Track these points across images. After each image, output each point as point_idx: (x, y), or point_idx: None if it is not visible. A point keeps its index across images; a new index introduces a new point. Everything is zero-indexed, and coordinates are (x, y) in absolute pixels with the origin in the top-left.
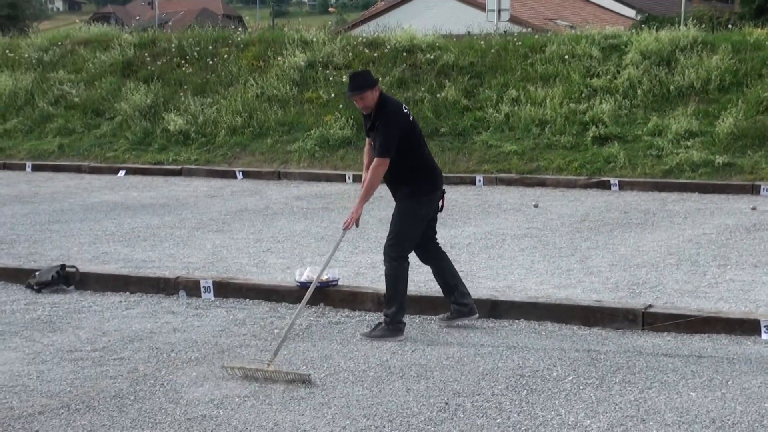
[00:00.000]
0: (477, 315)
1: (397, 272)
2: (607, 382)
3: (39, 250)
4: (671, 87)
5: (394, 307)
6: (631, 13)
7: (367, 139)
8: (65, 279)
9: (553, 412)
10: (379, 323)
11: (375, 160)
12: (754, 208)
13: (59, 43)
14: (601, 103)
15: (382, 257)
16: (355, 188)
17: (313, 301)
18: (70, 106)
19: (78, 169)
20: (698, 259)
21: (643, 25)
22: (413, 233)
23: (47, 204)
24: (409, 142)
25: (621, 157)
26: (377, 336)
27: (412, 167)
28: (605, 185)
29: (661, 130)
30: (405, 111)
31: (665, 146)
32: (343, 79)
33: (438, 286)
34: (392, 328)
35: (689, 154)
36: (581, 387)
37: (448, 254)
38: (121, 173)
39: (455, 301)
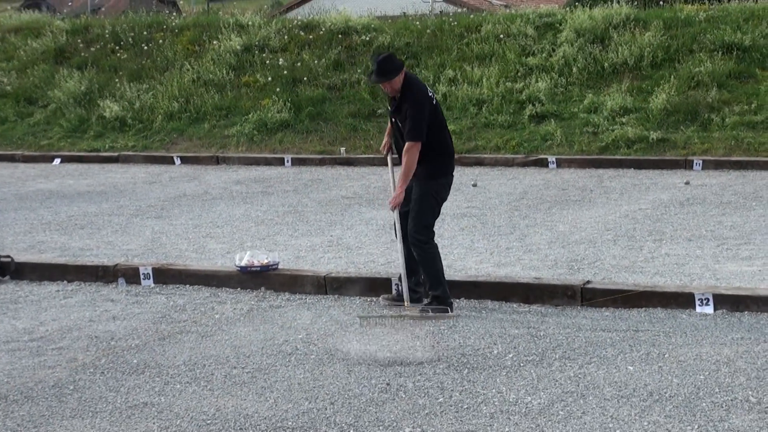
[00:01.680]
0: (424, 304)
1: (430, 254)
2: (547, 358)
3: None
4: (605, 64)
5: (440, 288)
6: None
7: (390, 120)
8: (0, 269)
9: (494, 390)
10: (431, 301)
11: (407, 144)
12: (687, 183)
13: None
14: (537, 81)
15: (411, 246)
16: (294, 171)
17: (253, 286)
18: (1, 95)
19: (11, 158)
20: (635, 235)
21: (577, 3)
22: (433, 214)
23: None
24: (432, 125)
25: (558, 135)
26: (433, 316)
27: (432, 149)
28: (543, 163)
29: (596, 107)
30: (430, 94)
31: (601, 123)
32: (280, 62)
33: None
34: (444, 307)
35: (624, 131)
36: (522, 364)
37: (388, 235)
38: (57, 161)
39: (411, 287)
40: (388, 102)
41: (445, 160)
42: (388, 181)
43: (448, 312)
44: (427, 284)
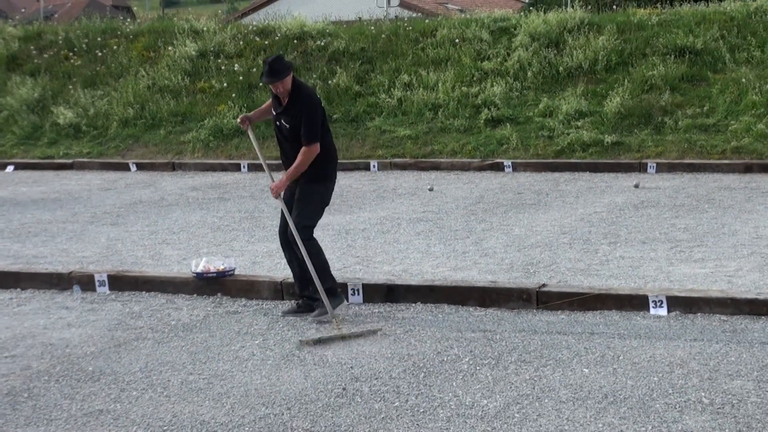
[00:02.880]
0: (322, 313)
1: (315, 248)
2: (503, 361)
3: None
4: (560, 68)
5: (329, 280)
6: None
7: (275, 123)
8: None
9: (450, 394)
10: (320, 305)
11: (304, 147)
12: (636, 186)
13: None
14: (492, 85)
15: (295, 245)
16: (251, 177)
17: (209, 292)
18: None
19: None
20: (590, 238)
21: (531, 8)
22: (317, 216)
23: None
24: (322, 128)
25: (513, 139)
26: (324, 313)
27: (321, 153)
28: (499, 167)
29: (551, 111)
30: (318, 97)
31: (556, 127)
32: (235, 68)
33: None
34: (334, 298)
35: (579, 134)
36: (478, 367)
37: (343, 240)
38: (10, 168)
39: (309, 296)
40: (274, 105)
41: (332, 165)
42: (258, 152)
43: (345, 302)
44: (316, 279)
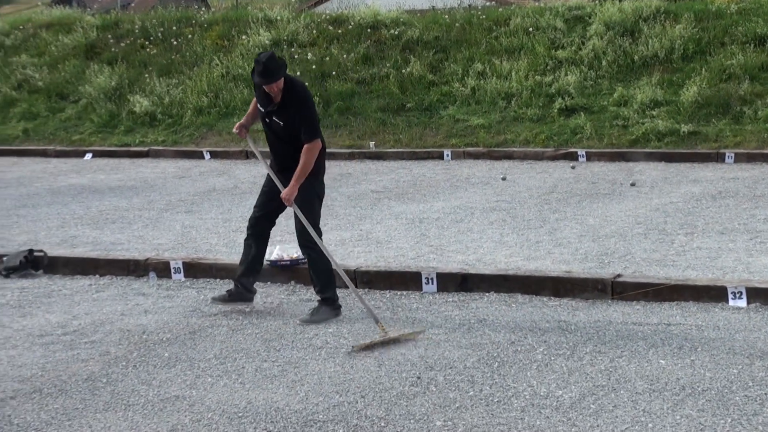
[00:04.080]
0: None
1: (317, 257)
2: (578, 352)
3: (6, 235)
4: (635, 57)
5: (330, 291)
6: None
7: (265, 120)
8: (34, 263)
9: (525, 384)
10: (320, 307)
11: (307, 144)
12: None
13: (21, 27)
14: (566, 74)
15: (301, 249)
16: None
17: (283, 279)
18: (33, 90)
19: (44, 153)
20: (666, 228)
21: None
22: (318, 213)
23: (13, 189)
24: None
25: (587, 128)
26: (320, 319)
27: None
28: (572, 156)
29: (626, 100)
30: (309, 91)
31: (631, 116)
32: (308, 57)
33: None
34: (332, 309)
35: (655, 124)
36: (552, 358)
37: (417, 229)
38: (88, 156)
39: (246, 285)
40: (261, 101)
41: (323, 160)
42: (261, 161)
43: (336, 315)
44: (317, 286)
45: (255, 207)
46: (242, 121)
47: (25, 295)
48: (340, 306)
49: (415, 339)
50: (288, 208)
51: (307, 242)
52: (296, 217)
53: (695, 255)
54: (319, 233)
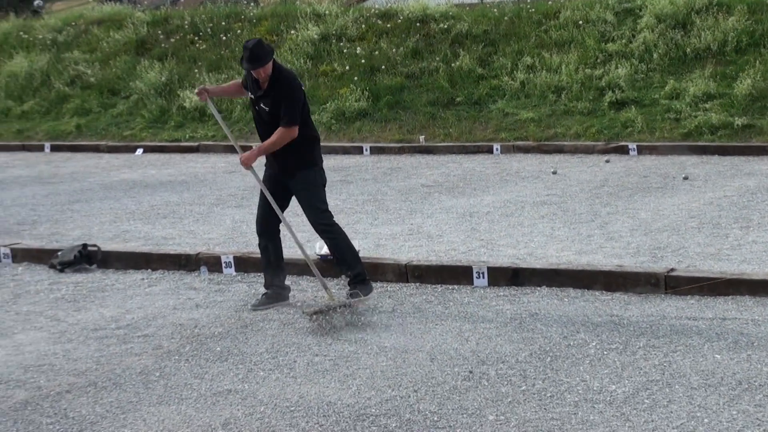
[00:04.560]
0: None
1: (341, 235)
2: (631, 346)
3: (61, 230)
4: (688, 50)
5: (359, 266)
6: None
7: (254, 107)
8: (87, 258)
9: (577, 378)
10: (354, 291)
11: (282, 128)
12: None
13: (73, 24)
14: (617, 67)
15: (320, 236)
16: (373, 160)
17: (334, 274)
18: (86, 86)
19: (96, 149)
20: (720, 222)
21: None
22: (323, 197)
23: (67, 184)
24: (304, 112)
25: (639, 122)
26: (356, 299)
27: (306, 136)
28: (623, 150)
29: (678, 93)
30: (299, 80)
31: (683, 109)
32: (357, 51)
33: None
34: (365, 285)
35: (708, 117)
36: (605, 352)
37: (467, 223)
38: (139, 151)
39: (279, 285)
40: (250, 87)
41: (318, 148)
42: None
43: (371, 290)
44: (345, 264)
45: (258, 207)
46: (209, 87)
47: (80, 290)
48: (368, 278)
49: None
50: (293, 201)
51: (323, 227)
52: (302, 206)
53: (750, 249)
54: (332, 217)
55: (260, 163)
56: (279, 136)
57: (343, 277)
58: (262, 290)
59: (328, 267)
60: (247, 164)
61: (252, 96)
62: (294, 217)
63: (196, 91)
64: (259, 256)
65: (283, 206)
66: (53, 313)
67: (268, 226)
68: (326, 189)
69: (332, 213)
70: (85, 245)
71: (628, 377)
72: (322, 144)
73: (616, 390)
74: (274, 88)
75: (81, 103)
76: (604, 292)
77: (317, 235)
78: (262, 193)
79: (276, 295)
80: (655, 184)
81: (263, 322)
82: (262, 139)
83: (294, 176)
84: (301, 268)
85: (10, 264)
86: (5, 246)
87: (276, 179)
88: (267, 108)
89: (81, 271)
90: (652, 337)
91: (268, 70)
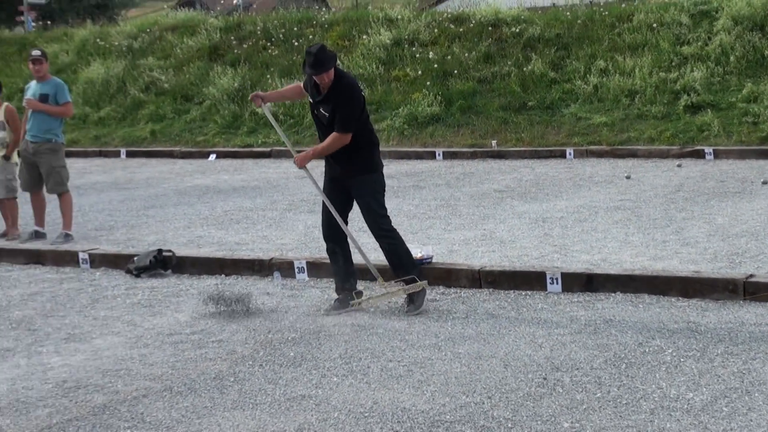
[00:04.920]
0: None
1: (400, 240)
2: (708, 353)
3: (136, 235)
4: (766, 52)
5: (415, 270)
6: None
7: (313, 112)
8: (163, 263)
9: (653, 385)
10: (411, 297)
11: (336, 134)
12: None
13: (148, 30)
14: (692, 71)
15: (378, 240)
16: (445, 165)
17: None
18: (160, 93)
19: (170, 155)
20: None
21: None
22: (383, 202)
23: (142, 190)
24: (363, 117)
25: (715, 126)
26: (419, 306)
27: (367, 141)
28: (699, 154)
29: (756, 96)
30: (359, 86)
31: (762, 113)
32: (430, 56)
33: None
34: (422, 291)
35: None
36: (682, 359)
37: (540, 228)
38: (212, 157)
39: (350, 290)
40: (311, 92)
41: (378, 152)
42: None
43: (425, 295)
44: (403, 268)
45: (322, 212)
46: (263, 93)
47: (155, 295)
48: (424, 282)
49: (416, 290)
50: (355, 206)
51: (382, 232)
52: (362, 210)
53: None
54: (391, 222)
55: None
56: (332, 141)
57: (335, 301)
58: (335, 296)
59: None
60: (302, 164)
61: (311, 100)
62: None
63: (250, 97)
64: None
65: (346, 210)
66: (130, 317)
67: (333, 230)
68: (399, 194)
69: (390, 218)
70: (160, 250)
71: (705, 385)
72: (394, 149)
73: (693, 398)
74: (335, 94)
75: (155, 109)
76: (680, 298)
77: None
78: (324, 201)
79: (348, 299)
80: (733, 189)
81: (336, 328)
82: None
83: (355, 180)
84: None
85: (88, 269)
86: (84, 251)
87: (336, 182)
88: (326, 113)
89: (156, 276)
90: (730, 344)
91: (331, 75)
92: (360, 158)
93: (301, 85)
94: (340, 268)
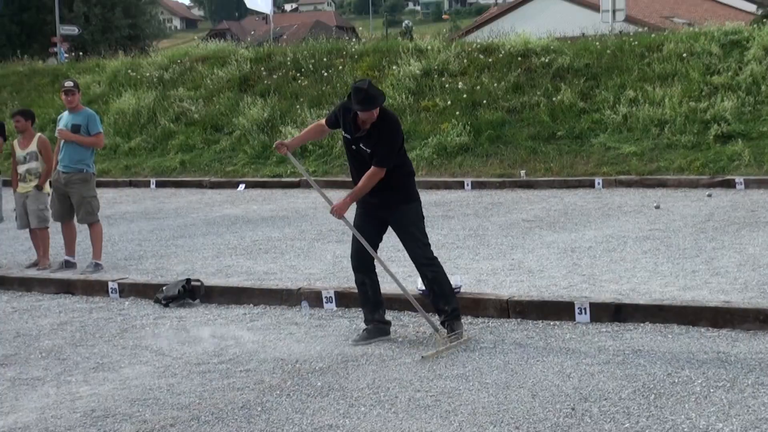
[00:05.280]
0: (458, 336)
1: (442, 270)
2: (738, 384)
3: (165, 264)
4: None
5: (455, 301)
6: (751, 7)
7: (351, 147)
8: (191, 293)
9: (683, 416)
10: (454, 322)
11: (374, 168)
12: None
13: (178, 61)
14: (722, 100)
15: (421, 269)
16: (474, 195)
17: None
18: (190, 123)
19: (199, 185)
20: None
21: (764, 20)
22: (425, 231)
23: (171, 219)
24: (402, 149)
25: (746, 155)
26: (458, 334)
27: (406, 171)
28: (730, 184)
29: None
30: (399, 122)
31: None
32: (459, 86)
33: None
34: (459, 321)
35: None
36: (712, 390)
37: (569, 258)
38: (241, 187)
39: (379, 320)
40: (348, 128)
41: (414, 181)
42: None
43: (462, 326)
44: (443, 299)
45: (352, 243)
46: (287, 141)
47: (183, 324)
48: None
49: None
50: (385, 235)
51: (426, 260)
52: (406, 240)
53: None
54: (432, 255)
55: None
56: (369, 178)
57: (364, 330)
58: (363, 326)
59: (425, 302)
60: (340, 214)
61: (348, 136)
62: (395, 252)
63: (274, 146)
64: None
65: (376, 242)
66: (158, 347)
67: (364, 261)
68: (428, 224)
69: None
70: (188, 280)
71: (735, 415)
72: (423, 179)
73: (723, 428)
74: (378, 130)
75: (185, 140)
76: (710, 328)
77: (416, 270)
78: (355, 233)
79: (377, 330)
80: (764, 219)
81: (364, 357)
82: (357, 177)
83: (397, 211)
84: (401, 303)
85: (117, 298)
86: (113, 281)
87: (371, 214)
88: (368, 149)
89: (185, 305)
90: (761, 375)
91: (377, 111)
92: (399, 189)
93: (323, 122)
94: (368, 299)
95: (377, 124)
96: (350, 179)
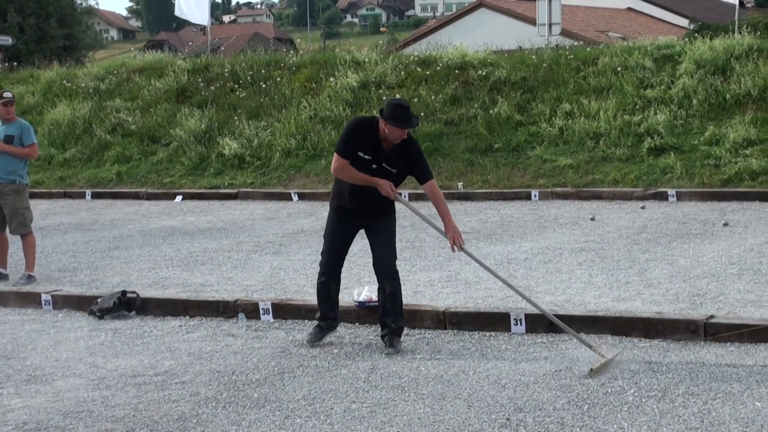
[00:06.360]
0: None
1: (399, 287)
2: (669, 394)
3: (100, 276)
4: (727, 96)
5: (402, 320)
6: (684, 22)
7: (371, 165)
8: (126, 305)
9: (615, 426)
10: (394, 338)
11: (432, 182)
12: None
13: (115, 72)
14: (655, 114)
15: (383, 281)
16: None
17: (372, 321)
18: (126, 134)
19: (136, 196)
20: (761, 269)
21: (696, 35)
22: None
23: (107, 231)
24: None
25: (678, 168)
26: (397, 350)
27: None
28: (662, 196)
29: (718, 139)
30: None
31: (723, 155)
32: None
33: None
34: (400, 338)
35: (748, 163)
36: (643, 399)
37: (505, 270)
38: (178, 198)
39: (334, 317)
40: (367, 148)
41: None
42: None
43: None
44: (392, 315)
45: (330, 252)
46: (378, 181)
47: (118, 336)
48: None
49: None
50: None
51: (394, 273)
52: (380, 247)
53: None
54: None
55: (299, 210)
56: (439, 193)
57: (316, 328)
58: (300, 336)
59: (366, 314)
60: (462, 243)
61: (369, 156)
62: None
63: (388, 192)
64: (297, 302)
65: (346, 253)
66: (92, 359)
67: (338, 268)
68: (363, 234)
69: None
70: (124, 292)
71: (666, 425)
72: None
73: None
74: (403, 151)
75: (122, 151)
76: (642, 339)
77: (353, 282)
78: (334, 240)
79: (329, 327)
80: (695, 231)
81: (300, 369)
82: (370, 197)
83: (383, 217)
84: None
85: (51, 311)
86: (46, 293)
87: (353, 224)
88: (393, 168)
89: (120, 317)
90: (691, 385)
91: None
92: (386, 199)
93: (347, 162)
94: (330, 298)
95: (405, 145)
96: (286, 191)
